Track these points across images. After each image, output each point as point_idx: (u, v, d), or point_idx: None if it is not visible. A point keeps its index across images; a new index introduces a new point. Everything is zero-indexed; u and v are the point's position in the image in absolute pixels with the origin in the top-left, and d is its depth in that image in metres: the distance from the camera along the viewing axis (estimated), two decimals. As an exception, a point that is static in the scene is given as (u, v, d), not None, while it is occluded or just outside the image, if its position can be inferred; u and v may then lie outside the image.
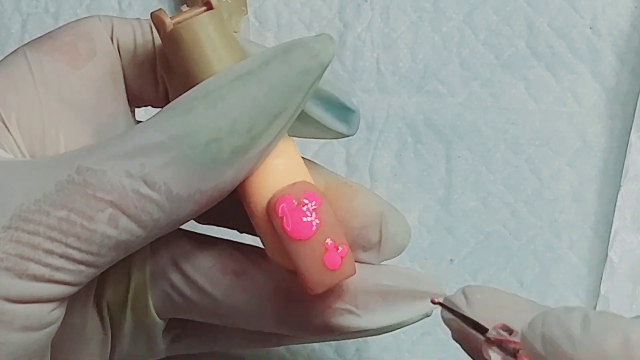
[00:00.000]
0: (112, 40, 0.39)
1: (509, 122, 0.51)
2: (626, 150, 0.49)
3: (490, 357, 0.34)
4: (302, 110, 0.37)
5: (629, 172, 0.49)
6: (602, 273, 0.49)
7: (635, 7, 0.51)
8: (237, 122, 0.35)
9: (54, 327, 0.36)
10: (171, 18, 0.37)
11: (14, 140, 0.36)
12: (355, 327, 0.39)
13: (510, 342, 0.34)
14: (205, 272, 0.39)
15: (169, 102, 0.39)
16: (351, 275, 0.37)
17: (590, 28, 0.51)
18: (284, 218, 0.36)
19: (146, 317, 0.40)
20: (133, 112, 0.40)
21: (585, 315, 0.32)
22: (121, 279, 0.39)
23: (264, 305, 0.39)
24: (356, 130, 0.39)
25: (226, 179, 0.36)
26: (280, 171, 0.37)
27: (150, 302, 0.40)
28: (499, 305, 0.36)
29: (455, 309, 0.35)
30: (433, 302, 0.36)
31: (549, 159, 0.50)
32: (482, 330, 0.35)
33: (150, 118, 0.36)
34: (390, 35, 0.51)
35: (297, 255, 0.36)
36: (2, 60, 0.38)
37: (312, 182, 0.37)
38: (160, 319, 0.40)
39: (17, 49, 0.38)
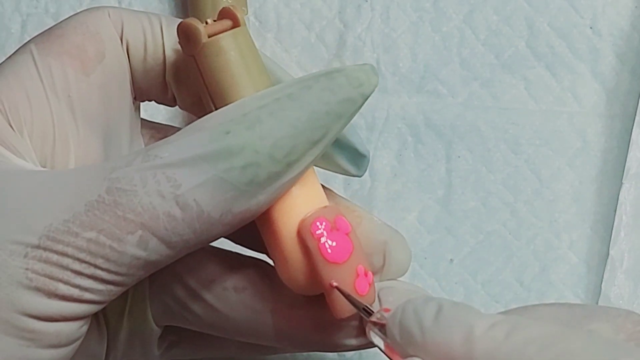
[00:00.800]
0: (121, 41, 0.38)
1: (509, 122, 0.51)
2: (627, 150, 0.49)
3: (372, 339, 0.35)
4: None
5: (631, 170, 0.49)
6: (603, 272, 0.49)
7: (636, 7, 0.51)
8: (276, 147, 0.34)
9: (80, 342, 0.36)
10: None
11: (29, 148, 0.36)
12: (358, 345, 0.39)
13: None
14: (207, 285, 0.38)
15: (176, 102, 0.39)
16: (372, 302, 0.37)
17: (591, 28, 0.51)
18: (321, 239, 0.35)
19: (144, 324, 0.40)
20: (138, 108, 0.40)
21: (439, 306, 0.32)
22: None
23: (265, 320, 0.38)
24: (364, 173, 0.39)
25: (259, 202, 0.35)
26: (307, 195, 0.36)
27: (149, 311, 0.39)
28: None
29: (348, 295, 0.36)
30: (331, 286, 0.36)
31: (549, 159, 0.50)
32: (368, 314, 0.35)
33: (180, 133, 0.35)
34: (391, 35, 0.51)
35: (329, 278, 0.36)
36: (9, 60, 0.37)
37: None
38: (157, 326, 0.40)
39: (24, 46, 0.38)
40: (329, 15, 0.51)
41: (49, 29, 0.38)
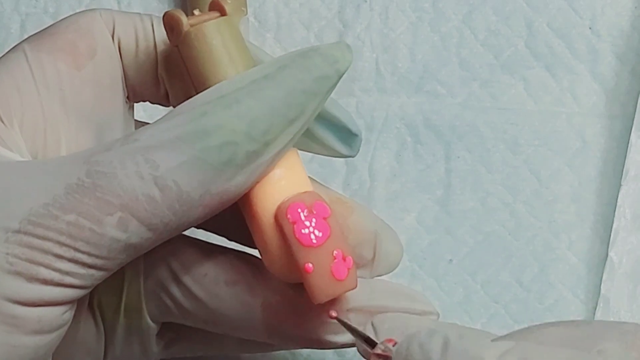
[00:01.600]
0: (113, 39, 0.38)
1: (508, 123, 0.51)
2: (626, 150, 0.49)
3: None
4: (307, 127, 0.37)
5: (630, 172, 0.49)
6: (602, 273, 0.49)
7: (635, 7, 0.51)
8: (253, 125, 0.35)
9: (64, 329, 0.36)
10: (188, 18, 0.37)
11: (18, 140, 0.36)
12: (347, 343, 0.39)
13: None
14: (197, 280, 0.39)
15: (169, 101, 0.39)
16: (353, 288, 0.37)
17: (590, 28, 0.51)
18: (296, 224, 0.36)
19: (139, 320, 0.40)
20: (132, 108, 0.40)
21: (445, 341, 0.32)
22: (115, 282, 0.39)
23: (255, 316, 0.39)
24: (357, 153, 0.39)
25: (237, 182, 0.35)
26: (288, 180, 0.37)
27: (144, 306, 0.39)
28: (405, 331, 0.37)
29: (348, 325, 0.36)
30: (330, 317, 0.36)
31: (548, 159, 0.50)
32: (372, 344, 0.36)
33: (159, 119, 0.35)
34: (390, 35, 0.51)
35: (305, 261, 0.36)
36: (1, 58, 0.38)
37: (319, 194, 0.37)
38: (154, 322, 0.40)
39: (17, 45, 0.38)
40: (328, 15, 0.52)
41: (42, 30, 0.38)
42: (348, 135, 0.39)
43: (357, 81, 0.51)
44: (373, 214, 0.40)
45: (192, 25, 0.37)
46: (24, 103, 0.36)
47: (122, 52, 0.38)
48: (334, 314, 0.36)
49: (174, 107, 0.39)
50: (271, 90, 0.35)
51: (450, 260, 0.50)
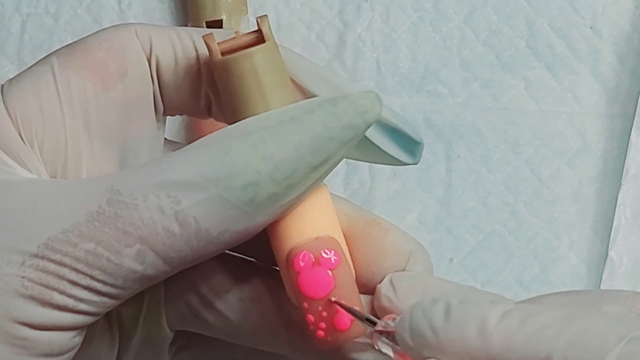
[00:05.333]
0: (149, 58, 0.37)
1: (509, 123, 0.51)
2: (626, 150, 0.49)
3: (380, 348, 0.35)
4: (365, 137, 0.37)
5: (630, 171, 0.49)
6: (602, 273, 0.49)
7: (636, 7, 0.51)
8: (277, 168, 0.34)
9: (74, 352, 0.36)
10: (220, 43, 0.36)
11: (37, 160, 0.36)
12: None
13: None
14: (222, 296, 0.39)
15: (210, 114, 0.39)
16: (360, 335, 0.37)
17: (591, 28, 0.51)
18: (300, 274, 0.36)
19: (158, 330, 0.39)
20: (164, 122, 0.39)
21: (447, 306, 0.32)
22: (137, 294, 0.38)
23: (278, 332, 0.38)
24: (419, 160, 0.39)
25: (257, 222, 0.35)
26: (306, 221, 0.36)
27: (164, 317, 0.39)
28: (425, 290, 0.37)
29: (347, 307, 0.36)
30: (330, 302, 0.36)
31: (548, 159, 0.50)
32: (373, 323, 0.36)
33: (185, 149, 0.35)
34: (391, 35, 0.51)
35: (307, 312, 0.36)
36: (29, 70, 0.37)
37: (337, 235, 0.37)
38: (171, 331, 0.40)
39: (46, 57, 0.37)
40: (329, 15, 0.51)
41: (73, 42, 0.38)
42: (410, 143, 0.38)
43: (357, 81, 0.51)
44: (406, 233, 0.40)
45: (223, 53, 0.36)
46: (47, 124, 0.36)
47: (160, 70, 0.37)
48: (333, 298, 0.36)
49: (216, 120, 0.39)
50: (298, 134, 0.35)
51: (451, 259, 0.50)
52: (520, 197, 0.50)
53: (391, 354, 0.35)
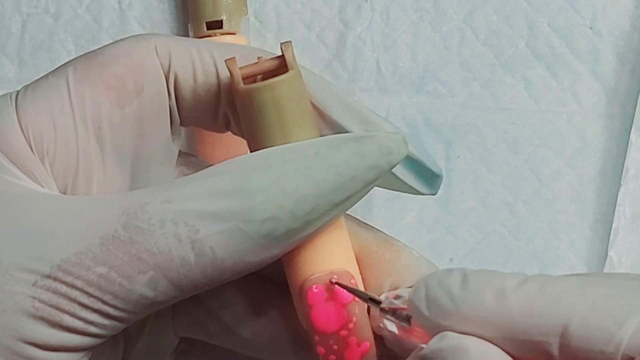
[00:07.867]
0: (167, 74, 0.37)
1: (508, 122, 0.51)
2: (626, 150, 0.49)
3: (386, 326, 0.35)
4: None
5: (630, 171, 0.49)
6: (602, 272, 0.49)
7: (636, 7, 0.51)
8: (298, 204, 0.34)
9: None
10: (242, 68, 0.35)
11: (48, 176, 0.36)
12: None
13: (402, 309, 0.35)
14: (229, 309, 0.39)
15: (227, 129, 0.38)
16: None
17: (591, 28, 0.51)
18: (313, 307, 0.36)
19: (163, 337, 0.40)
20: (179, 134, 0.39)
21: (464, 274, 0.33)
22: None
23: (285, 346, 0.39)
24: (437, 192, 0.39)
25: (273, 253, 0.35)
26: (321, 252, 0.36)
27: (171, 326, 0.39)
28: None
29: (350, 288, 0.36)
30: (331, 283, 0.36)
31: (548, 159, 0.50)
32: (377, 302, 0.36)
33: (204, 173, 0.35)
34: (391, 35, 0.51)
35: (318, 344, 0.36)
36: (44, 80, 0.37)
37: (352, 267, 0.37)
38: (176, 337, 0.40)
39: (62, 68, 0.37)
40: (329, 15, 0.51)
41: (92, 53, 0.37)
42: (430, 176, 0.38)
43: (357, 81, 0.51)
44: (419, 254, 0.39)
45: (245, 78, 0.35)
46: (59, 140, 0.35)
47: (178, 86, 0.37)
48: (334, 279, 0.36)
49: (233, 133, 0.38)
50: (321, 172, 0.35)
51: (451, 259, 0.50)
52: (520, 197, 0.50)
53: (396, 331, 0.35)
